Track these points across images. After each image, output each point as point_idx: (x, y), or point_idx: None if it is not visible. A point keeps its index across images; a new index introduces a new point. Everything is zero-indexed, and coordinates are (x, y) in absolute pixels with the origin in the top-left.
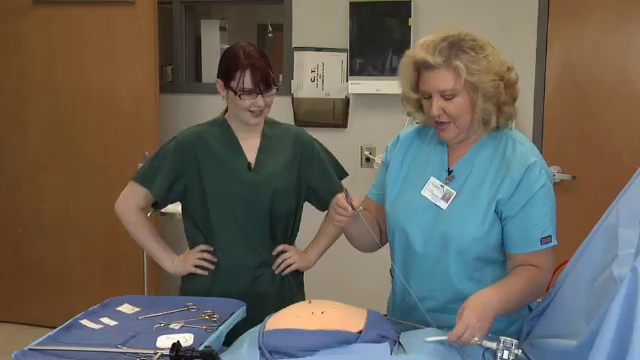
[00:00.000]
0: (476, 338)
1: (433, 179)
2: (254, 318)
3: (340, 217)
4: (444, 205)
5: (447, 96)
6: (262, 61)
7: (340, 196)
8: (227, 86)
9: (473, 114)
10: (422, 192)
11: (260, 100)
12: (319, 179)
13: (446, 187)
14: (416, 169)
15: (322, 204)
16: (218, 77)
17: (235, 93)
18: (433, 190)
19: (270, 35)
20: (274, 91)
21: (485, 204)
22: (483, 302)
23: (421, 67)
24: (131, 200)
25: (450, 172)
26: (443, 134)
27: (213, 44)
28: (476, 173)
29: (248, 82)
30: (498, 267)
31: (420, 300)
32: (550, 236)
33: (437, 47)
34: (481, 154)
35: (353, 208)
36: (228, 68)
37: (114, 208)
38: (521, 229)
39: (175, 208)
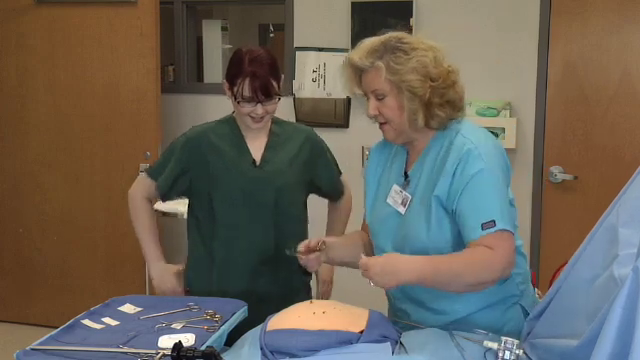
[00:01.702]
0: (371, 283)
1: (395, 186)
2: (255, 318)
3: (304, 262)
4: (402, 210)
5: (379, 96)
6: (265, 69)
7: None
8: (230, 89)
9: (404, 115)
10: (387, 200)
11: (259, 108)
12: (326, 178)
13: (404, 192)
14: (384, 178)
15: (325, 196)
16: (224, 79)
17: (235, 98)
18: (394, 196)
19: (271, 35)
20: (276, 100)
21: (429, 203)
22: (402, 261)
23: (358, 69)
24: (140, 190)
25: (406, 177)
26: (384, 135)
27: (215, 44)
28: (425, 174)
29: (247, 90)
30: None
31: (408, 301)
32: (493, 220)
33: (367, 49)
34: (430, 154)
35: (304, 252)
36: (231, 72)
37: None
38: (464, 217)
39: (176, 208)
